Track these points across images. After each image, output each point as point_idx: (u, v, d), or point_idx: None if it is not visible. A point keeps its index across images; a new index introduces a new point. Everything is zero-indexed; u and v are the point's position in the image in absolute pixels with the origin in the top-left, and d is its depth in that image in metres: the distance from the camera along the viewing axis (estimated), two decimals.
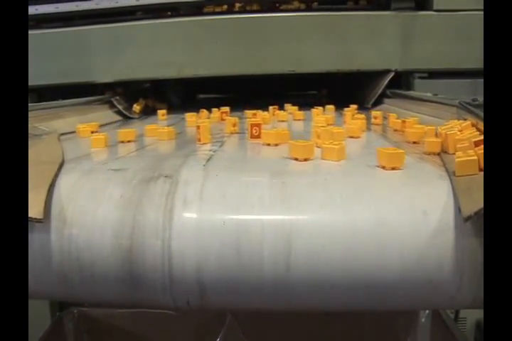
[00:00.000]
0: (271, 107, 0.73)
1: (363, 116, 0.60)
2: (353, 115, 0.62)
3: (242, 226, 0.28)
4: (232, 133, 0.54)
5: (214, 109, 0.72)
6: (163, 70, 0.84)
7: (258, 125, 0.48)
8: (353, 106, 0.72)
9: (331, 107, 0.77)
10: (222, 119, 0.66)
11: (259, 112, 0.66)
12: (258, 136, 0.47)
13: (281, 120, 0.66)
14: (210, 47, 0.82)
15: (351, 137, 0.48)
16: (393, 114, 0.60)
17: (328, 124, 0.52)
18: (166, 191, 0.30)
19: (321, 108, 0.71)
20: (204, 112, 0.72)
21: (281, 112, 0.68)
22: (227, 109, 0.71)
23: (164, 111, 0.77)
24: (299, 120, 0.68)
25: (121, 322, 0.67)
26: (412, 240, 0.28)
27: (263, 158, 0.42)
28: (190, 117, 0.68)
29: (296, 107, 0.74)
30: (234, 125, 0.55)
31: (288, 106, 0.76)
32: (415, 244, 0.28)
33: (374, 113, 0.62)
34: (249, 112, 0.67)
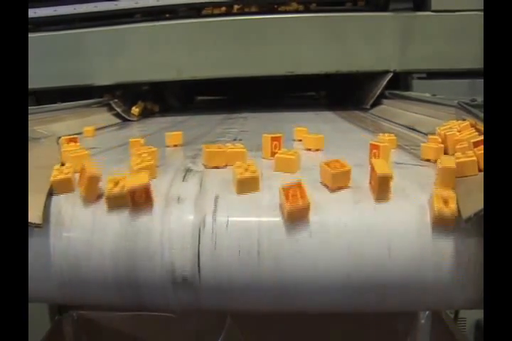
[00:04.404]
0: (266, 136, 0.36)
1: None
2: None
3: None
4: None
5: (133, 140, 0.41)
6: (162, 73, 0.84)
7: None
8: (434, 138, 0.37)
9: (392, 139, 0.40)
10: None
11: (234, 148, 0.33)
12: None
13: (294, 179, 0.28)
14: (209, 49, 0.82)
15: None
16: None
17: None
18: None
19: (380, 141, 0.35)
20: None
21: (291, 155, 0.32)
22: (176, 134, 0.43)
23: (92, 129, 0.49)
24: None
25: (121, 325, 0.66)
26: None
27: None
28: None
29: (321, 136, 0.40)
30: None
31: (301, 133, 0.43)
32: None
33: None
34: (209, 151, 0.33)
